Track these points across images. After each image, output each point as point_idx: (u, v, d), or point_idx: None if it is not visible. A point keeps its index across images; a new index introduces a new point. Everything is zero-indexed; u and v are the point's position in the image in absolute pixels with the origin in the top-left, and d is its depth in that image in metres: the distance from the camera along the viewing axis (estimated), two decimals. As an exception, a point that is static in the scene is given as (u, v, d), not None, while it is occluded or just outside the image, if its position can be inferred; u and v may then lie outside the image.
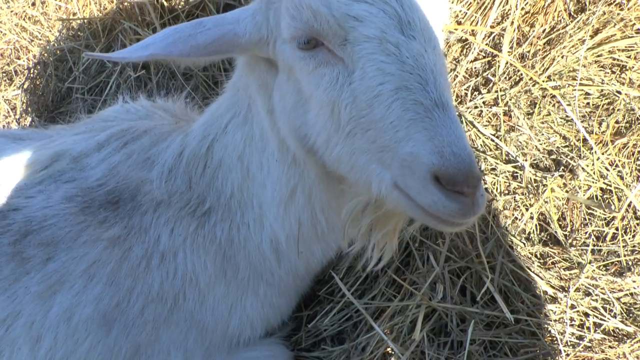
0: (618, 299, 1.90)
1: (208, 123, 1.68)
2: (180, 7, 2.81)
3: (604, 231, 2.11)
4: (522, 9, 2.45)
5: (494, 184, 2.17)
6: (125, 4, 2.81)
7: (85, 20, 2.98)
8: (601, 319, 1.85)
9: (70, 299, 1.60)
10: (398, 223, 1.44)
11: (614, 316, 1.86)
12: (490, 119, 2.30)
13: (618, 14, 2.34)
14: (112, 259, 1.63)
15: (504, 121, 2.27)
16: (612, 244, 2.08)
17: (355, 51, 1.14)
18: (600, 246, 2.08)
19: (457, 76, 2.37)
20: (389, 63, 1.12)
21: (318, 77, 1.21)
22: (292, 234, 1.62)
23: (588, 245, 2.06)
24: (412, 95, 1.09)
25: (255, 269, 1.71)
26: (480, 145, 2.21)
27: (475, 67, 2.41)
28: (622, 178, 2.20)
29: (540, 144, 2.29)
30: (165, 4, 2.81)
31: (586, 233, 2.12)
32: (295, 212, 1.59)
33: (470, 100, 2.32)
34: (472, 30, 2.42)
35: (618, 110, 2.33)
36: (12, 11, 3.37)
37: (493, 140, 2.21)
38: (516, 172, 2.21)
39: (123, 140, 1.78)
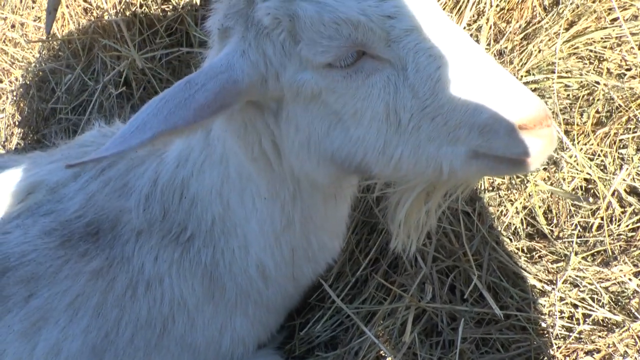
0: (606, 288, 1.92)
1: (182, 157, 1.61)
2: (158, 22, 2.82)
3: (590, 222, 2.13)
4: (497, 5, 2.47)
5: (478, 182, 2.19)
6: (103, 21, 2.81)
7: (65, 40, 2.99)
8: (590, 310, 1.87)
9: (57, 334, 1.57)
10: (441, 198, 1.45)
11: (602, 306, 1.87)
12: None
13: (590, 7, 2.36)
14: (97, 290, 1.60)
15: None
16: (599, 233, 2.09)
17: (401, 47, 1.13)
18: (587, 237, 2.09)
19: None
20: (436, 46, 1.13)
21: (368, 87, 1.17)
22: (284, 261, 1.62)
23: (574, 237, 2.07)
24: (468, 67, 1.12)
25: (243, 290, 1.69)
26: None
27: (453, 66, 2.42)
28: (605, 167, 2.22)
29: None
30: (144, 19, 2.82)
31: (572, 224, 2.13)
32: (289, 241, 1.58)
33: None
34: (449, 30, 2.43)
35: (598, 100, 2.35)
36: (-9, 35, 3.38)
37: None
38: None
39: (99, 167, 1.74)
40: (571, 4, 2.39)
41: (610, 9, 2.35)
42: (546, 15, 2.49)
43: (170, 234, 1.63)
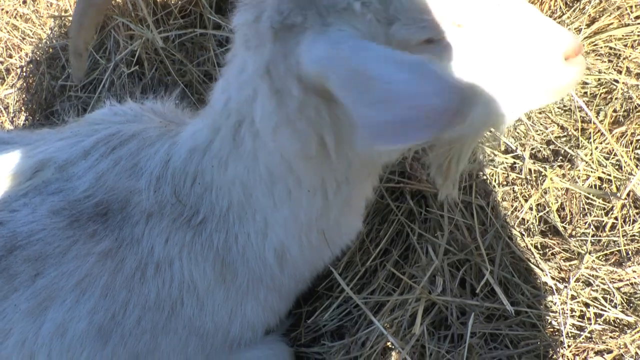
0: (618, 288, 1.90)
1: (197, 146, 1.56)
2: (173, 2, 2.79)
3: (603, 221, 2.10)
4: (518, -2, 2.43)
5: (492, 175, 2.16)
6: (119, 0, 2.78)
7: (77, 17, 2.95)
8: (602, 310, 1.85)
9: (63, 314, 1.55)
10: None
11: (615, 306, 1.85)
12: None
13: (614, 2, 2.32)
14: (105, 271, 1.58)
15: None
16: (612, 233, 2.07)
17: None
18: (600, 236, 2.07)
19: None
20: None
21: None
22: (310, 245, 1.60)
23: (587, 236, 2.05)
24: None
25: (255, 276, 1.67)
26: (478, 136, 2.20)
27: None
28: (620, 167, 2.19)
29: (538, 134, 2.27)
30: (158, 0, 2.78)
31: (585, 223, 2.11)
32: (320, 226, 1.57)
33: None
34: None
35: (616, 99, 2.32)
36: (2, 9, 3.34)
37: (491, 131, 2.19)
38: (515, 163, 2.20)
39: (110, 145, 1.70)
40: (594, -1, 2.35)
41: (635, 6, 2.31)
42: (567, 10, 2.45)
43: (182, 217, 1.60)
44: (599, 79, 2.36)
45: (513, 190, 2.13)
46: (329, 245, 1.66)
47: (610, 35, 2.37)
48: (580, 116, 2.28)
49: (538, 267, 1.94)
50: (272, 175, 1.43)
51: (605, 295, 1.88)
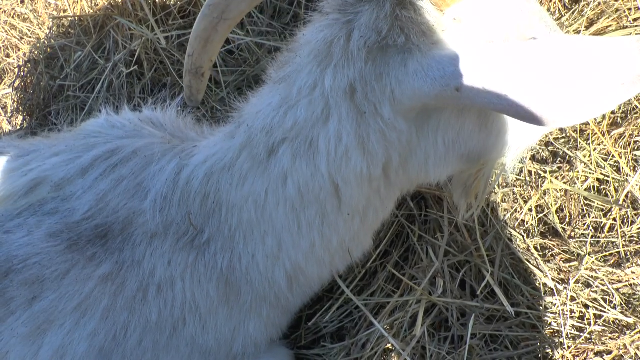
0: (617, 290, 1.91)
1: (216, 163, 1.50)
2: (172, 3, 2.78)
3: (602, 222, 2.11)
4: (517, 0, 2.44)
5: (492, 177, 2.16)
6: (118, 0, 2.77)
7: (77, 17, 2.94)
8: (601, 311, 1.86)
9: (62, 337, 1.52)
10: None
11: (614, 307, 1.86)
12: (487, 111, 2.29)
13: (613, 5, 2.33)
14: (106, 294, 1.54)
15: (501, 114, 2.26)
16: (610, 235, 2.08)
17: None
18: (599, 237, 2.08)
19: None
20: None
21: None
22: (332, 265, 1.59)
23: (587, 237, 2.06)
24: None
25: (259, 295, 1.64)
26: (478, 138, 2.20)
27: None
28: (619, 169, 2.20)
29: (538, 136, 2.28)
30: (157, 0, 2.78)
31: (584, 224, 2.12)
32: (348, 247, 1.55)
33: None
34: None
35: (614, 100, 2.32)
36: (0, 9, 3.33)
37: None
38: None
39: (110, 163, 1.63)
40: (593, 1, 2.36)
41: (634, 8, 2.32)
42: (566, 13, 2.46)
43: (186, 236, 1.56)
44: (598, 81, 2.37)
45: (513, 192, 2.13)
46: (345, 263, 1.65)
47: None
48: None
49: (538, 268, 1.95)
50: (304, 198, 1.38)
51: (605, 297, 1.89)
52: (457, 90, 1.05)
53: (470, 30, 1.12)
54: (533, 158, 2.25)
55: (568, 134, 2.28)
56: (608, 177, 2.15)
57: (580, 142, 2.24)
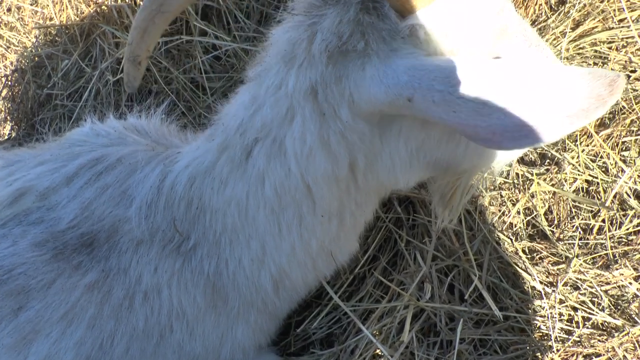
0: (606, 292, 1.90)
1: (198, 168, 1.50)
2: (158, 9, 2.77)
3: (591, 224, 2.11)
4: (503, 2, 2.44)
5: (479, 180, 2.16)
6: (103, 7, 2.76)
7: (63, 26, 2.93)
8: (590, 313, 1.85)
9: (48, 347, 1.51)
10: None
11: (602, 309, 1.86)
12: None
13: (598, 6, 2.33)
14: (92, 303, 1.53)
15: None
16: (599, 237, 2.07)
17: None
18: (587, 239, 2.08)
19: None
20: None
21: None
22: (315, 270, 1.59)
23: (575, 239, 2.05)
24: None
25: (246, 300, 1.63)
26: (465, 141, 2.20)
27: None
28: (607, 170, 2.20)
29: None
30: (143, 6, 2.77)
31: (573, 226, 2.11)
32: (329, 251, 1.55)
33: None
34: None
35: (601, 101, 2.32)
36: (-13, 18, 3.32)
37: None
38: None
39: (95, 171, 1.63)
40: (579, 3, 2.36)
41: (618, 10, 2.32)
42: (552, 14, 2.46)
43: (172, 243, 1.56)
44: (585, 82, 2.37)
45: (500, 195, 2.13)
46: (330, 267, 1.65)
47: (596, 39, 2.38)
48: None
49: (526, 271, 1.94)
50: (281, 200, 1.39)
51: (593, 299, 1.88)
52: (409, 101, 1.04)
53: (432, 39, 1.10)
54: (521, 160, 2.24)
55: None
56: (597, 178, 2.15)
57: (568, 144, 2.24)
